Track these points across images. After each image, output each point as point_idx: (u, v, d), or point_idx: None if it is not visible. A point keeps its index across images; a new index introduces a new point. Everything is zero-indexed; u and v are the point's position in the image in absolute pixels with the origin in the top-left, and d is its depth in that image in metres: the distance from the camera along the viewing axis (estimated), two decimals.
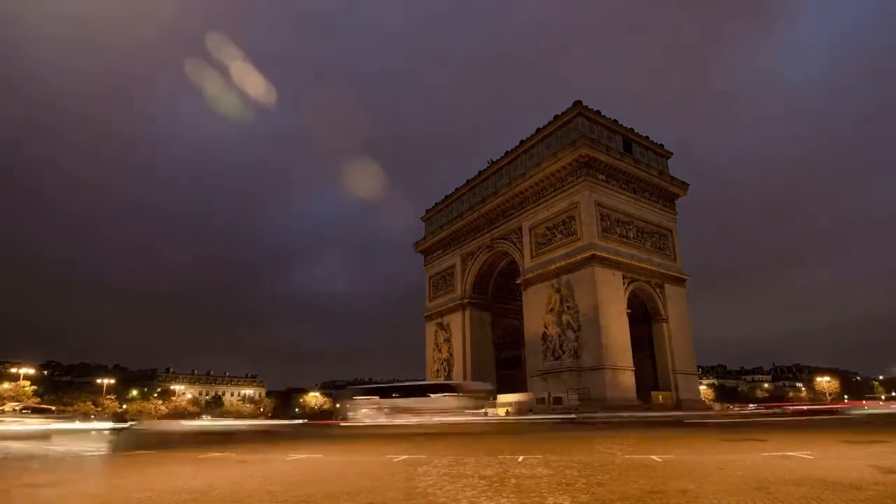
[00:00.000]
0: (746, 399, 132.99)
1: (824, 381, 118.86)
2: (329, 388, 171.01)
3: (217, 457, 17.29)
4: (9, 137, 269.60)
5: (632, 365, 60.07)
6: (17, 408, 52.86)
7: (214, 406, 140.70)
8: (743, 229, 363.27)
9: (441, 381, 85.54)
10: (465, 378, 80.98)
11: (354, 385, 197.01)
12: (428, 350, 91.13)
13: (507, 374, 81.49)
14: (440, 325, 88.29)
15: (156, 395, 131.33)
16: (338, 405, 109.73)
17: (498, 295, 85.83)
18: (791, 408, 73.17)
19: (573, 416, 47.71)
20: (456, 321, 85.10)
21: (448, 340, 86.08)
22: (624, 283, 62.80)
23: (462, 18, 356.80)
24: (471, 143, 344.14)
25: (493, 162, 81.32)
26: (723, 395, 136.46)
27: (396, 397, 51.28)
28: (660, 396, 61.59)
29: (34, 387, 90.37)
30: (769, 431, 25.47)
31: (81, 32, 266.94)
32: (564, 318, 61.79)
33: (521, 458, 13.59)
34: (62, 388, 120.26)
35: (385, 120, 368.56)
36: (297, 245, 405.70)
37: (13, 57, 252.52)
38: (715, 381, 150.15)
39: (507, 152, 78.05)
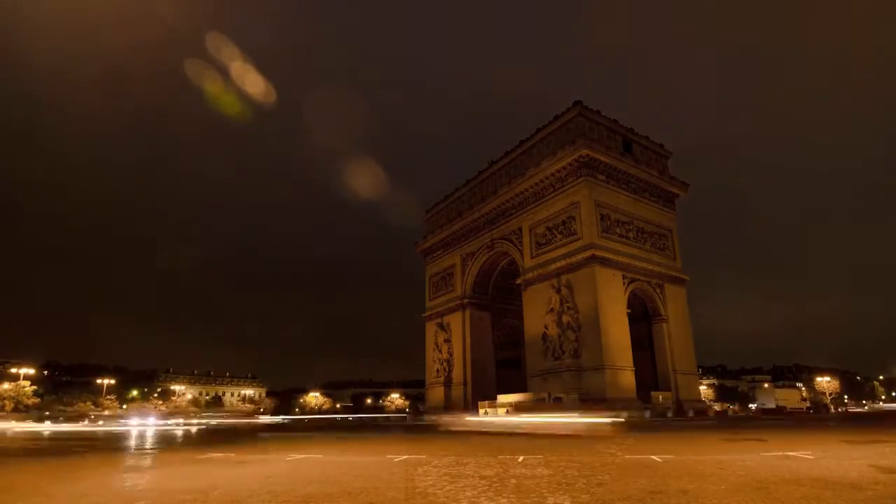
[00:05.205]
0: (746, 399, 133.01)
1: (824, 381, 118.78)
2: (329, 389, 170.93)
3: (217, 457, 17.29)
4: (8, 142, 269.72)
5: (632, 365, 60.02)
6: None
7: (214, 406, 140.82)
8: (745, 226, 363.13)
9: (441, 380, 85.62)
10: (464, 378, 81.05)
11: (357, 385, 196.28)
12: (428, 350, 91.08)
13: (507, 374, 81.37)
14: (440, 326, 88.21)
15: (156, 395, 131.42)
16: None
17: (498, 295, 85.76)
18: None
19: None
20: (456, 321, 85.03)
21: (448, 341, 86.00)
22: (624, 283, 62.76)
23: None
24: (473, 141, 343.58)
25: (492, 162, 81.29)
26: (723, 395, 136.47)
27: None
28: (660, 397, 61.57)
29: (34, 387, 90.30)
30: (769, 431, 25.48)
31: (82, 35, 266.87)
32: (564, 318, 61.74)
33: (521, 458, 13.59)
34: (62, 388, 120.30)
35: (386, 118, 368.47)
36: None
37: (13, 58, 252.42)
38: (715, 381, 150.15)
39: (506, 152, 78.01)
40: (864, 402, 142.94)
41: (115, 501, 9.13)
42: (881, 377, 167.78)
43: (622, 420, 41.77)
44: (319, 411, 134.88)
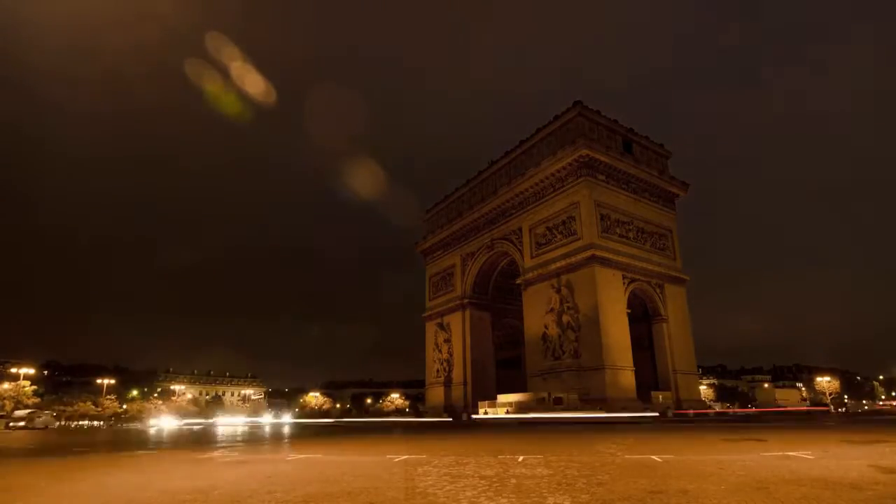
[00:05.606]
0: (746, 399, 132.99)
1: (824, 381, 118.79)
2: (329, 389, 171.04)
3: (217, 457, 17.29)
4: (8, 142, 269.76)
5: (632, 365, 60.07)
6: None
7: (214, 406, 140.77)
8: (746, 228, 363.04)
9: (441, 380, 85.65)
10: (464, 378, 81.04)
11: (357, 385, 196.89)
12: (428, 350, 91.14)
13: (507, 374, 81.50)
14: (440, 326, 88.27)
15: (156, 395, 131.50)
16: None
17: (498, 295, 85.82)
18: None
19: None
20: (456, 321, 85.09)
21: (448, 341, 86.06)
22: (624, 283, 62.80)
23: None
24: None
25: (493, 162, 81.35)
26: (723, 394, 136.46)
27: None
28: (660, 396, 61.59)
29: (34, 387, 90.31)
30: (769, 431, 25.51)
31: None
32: (564, 318, 61.78)
33: (521, 458, 13.58)
34: (62, 388, 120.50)
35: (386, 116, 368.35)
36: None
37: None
38: (715, 381, 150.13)
39: (506, 152, 78.07)
40: (863, 401, 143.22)
41: (115, 502, 9.12)
42: (881, 377, 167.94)
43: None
44: (320, 412, 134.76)
